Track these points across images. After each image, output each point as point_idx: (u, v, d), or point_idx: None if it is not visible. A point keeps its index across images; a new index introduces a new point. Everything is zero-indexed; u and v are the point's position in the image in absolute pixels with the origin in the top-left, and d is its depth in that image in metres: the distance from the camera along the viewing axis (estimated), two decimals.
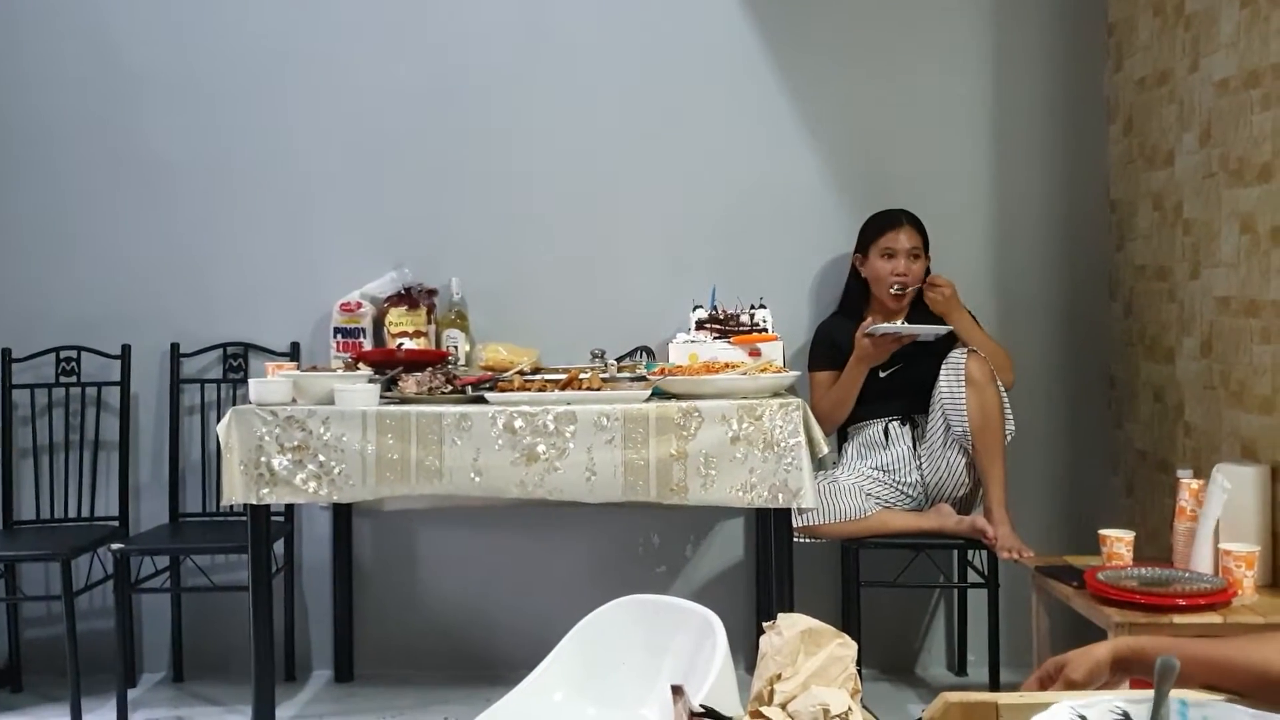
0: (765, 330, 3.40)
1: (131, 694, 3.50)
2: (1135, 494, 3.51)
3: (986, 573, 3.29)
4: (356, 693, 3.57)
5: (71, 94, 3.72)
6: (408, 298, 3.56)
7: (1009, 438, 3.27)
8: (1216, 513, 2.66)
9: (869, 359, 3.26)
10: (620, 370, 3.27)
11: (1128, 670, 1.37)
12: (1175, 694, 1.17)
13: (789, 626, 1.94)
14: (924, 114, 3.70)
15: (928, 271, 3.47)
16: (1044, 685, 1.42)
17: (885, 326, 3.23)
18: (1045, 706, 1.35)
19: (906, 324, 3.31)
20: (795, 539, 3.07)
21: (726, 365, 3.13)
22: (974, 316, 3.42)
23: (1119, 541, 2.82)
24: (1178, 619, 2.44)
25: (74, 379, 3.65)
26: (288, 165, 3.74)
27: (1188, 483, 2.79)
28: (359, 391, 2.90)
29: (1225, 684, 1.27)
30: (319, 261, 3.73)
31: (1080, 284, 3.71)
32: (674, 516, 3.66)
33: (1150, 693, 1.14)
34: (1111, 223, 3.67)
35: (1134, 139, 3.50)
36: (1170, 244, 3.26)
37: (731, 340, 3.35)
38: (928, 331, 3.23)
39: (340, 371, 3.19)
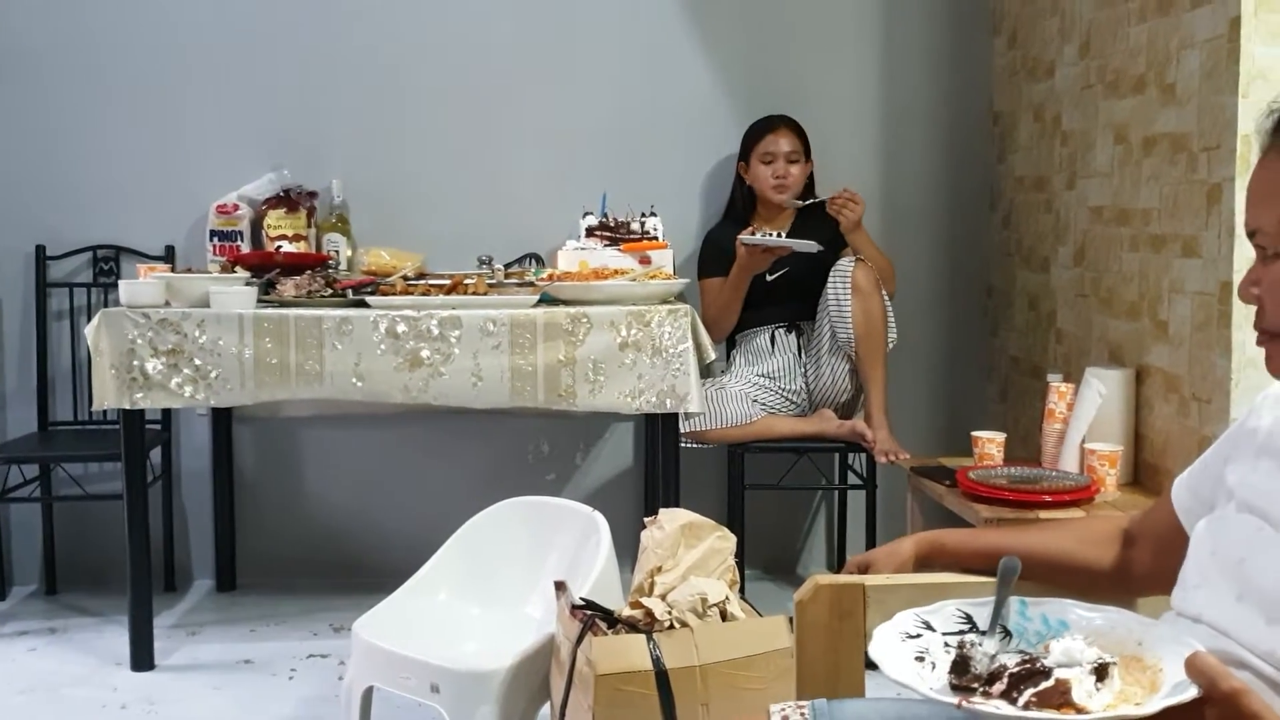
0: (656, 238, 3.40)
1: (1, 606, 3.41)
2: (1009, 399, 3.63)
3: (865, 475, 3.38)
4: (239, 601, 3.54)
5: None
6: (287, 200, 3.46)
7: (891, 345, 3.34)
8: (1089, 415, 2.76)
9: (748, 267, 3.28)
10: (508, 276, 3.24)
11: (929, 565, 1.44)
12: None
13: (670, 521, 1.98)
14: (812, 22, 3.69)
15: (812, 177, 3.50)
16: None
17: (754, 239, 3.23)
18: (910, 586, 1.40)
19: (780, 235, 3.33)
20: (682, 444, 3.11)
21: (616, 272, 3.13)
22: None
23: (990, 443, 2.92)
24: (1044, 514, 2.54)
25: None
26: (161, 58, 3.57)
27: (1057, 386, 2.89)
28: (235, 294, 2.82)
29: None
30: (194, 162, 3.59)
31: (962, 195, 3.78)
32: (564, 423, 3.68)
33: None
34: (994, 134, 3.73)
35: (1017, 51, 3.55)
36: (1049, 155, 3.33)
37: (622, 247, 3.34)
38: (800, 245, 3.24)
39: (216, 274, 3.09)
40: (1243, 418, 1.23)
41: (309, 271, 3.03)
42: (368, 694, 2.25)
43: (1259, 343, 1.12)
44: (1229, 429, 1.26)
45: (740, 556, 3.24)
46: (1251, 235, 1.09)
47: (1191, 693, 0.91)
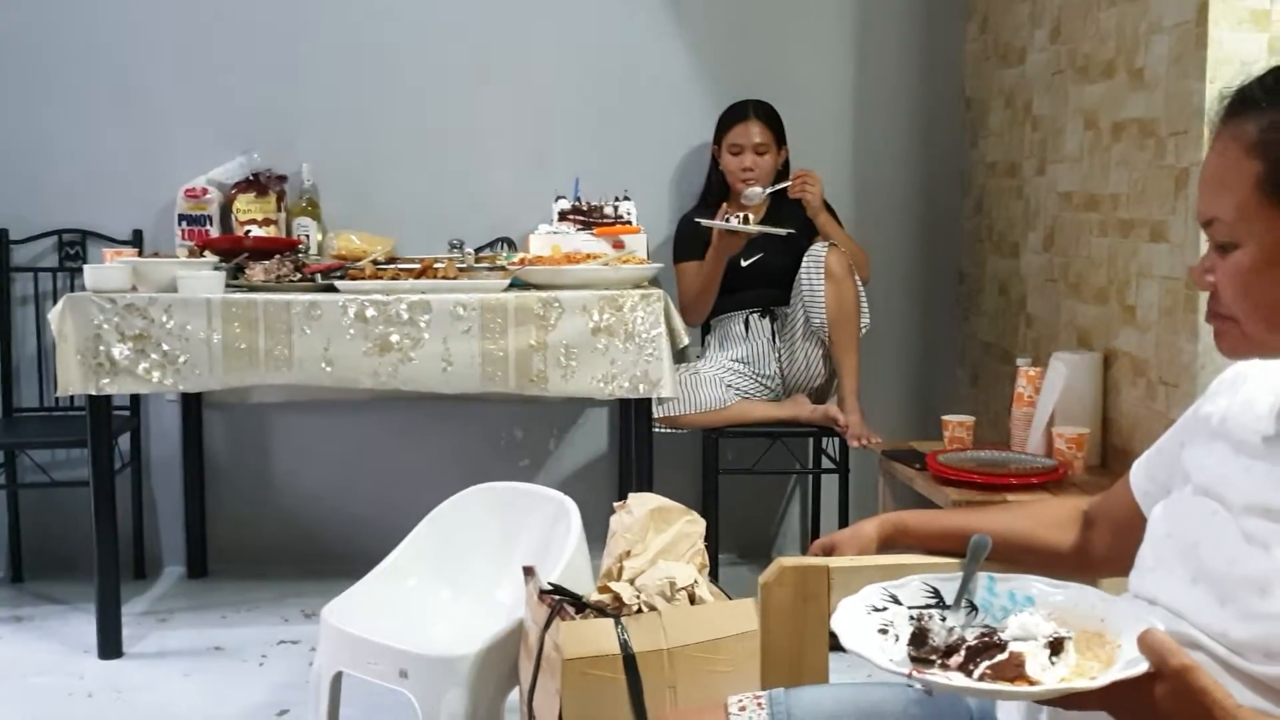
0: (629, 222, 3.39)
1: None
2: (979, 383, 3.64)
3: (838, 459, 3.39)
4: (210, 588, 3.52)
5: None
6: (256, 184, 3.43)
7: (864, 331, 3.35)
8: (1056, 399, 2.77)
9: (722, 250, 3.27)
10: (479, 261, 3.23)
11: (892, 546, 1.45)
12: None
13: (639, 505, 1.98)
14: (786, 7, 3.69)
15: (786, 164, 3.49)
16: None
17: (719, 223, 3.22)
18: (874, 568, 1.41)
19: (750, 218, 3.32)
20: (656, 429, 3.11)
21: (589, 256, 3.12)
22: (834, 212, 3.45)
23: (960, 426, 2.93)
24: (1011, 497, 2.55)
25: None
26: (130, 41, 3.54)
27: (1026, 370, 2.90)
28: (203, 278, 2.80)
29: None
30: (163, 146, 3.56)
31: (934, 181, 3.79)
32: (537, 408, 3.67)
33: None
34: (965, 120, 3.74)
35: (989, 36, 3.56)
36: (1020, 141, 3.34)
37: (595, 232, 3.33)
38: (769, 232, 3.24)
39: (184, 259, 3.07)
40: (1198, 403, 1.24)
41: (278, 256, 3.01)
42: (337, 680, 2.25)
43: (1208, 319, 1.12)
44: (1185, 414, 1.27)
45: (714, 541, 3.27)
46: (1206, 224, 1.10)
47: (1142, 668, 0.91)
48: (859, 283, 3.30)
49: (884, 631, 1.05)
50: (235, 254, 3.03)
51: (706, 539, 2.01)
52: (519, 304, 2.81)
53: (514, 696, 2.09)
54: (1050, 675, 0.95)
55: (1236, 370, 1.20)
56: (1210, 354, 2.38)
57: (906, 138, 3.77)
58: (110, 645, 2.95)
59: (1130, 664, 0.93)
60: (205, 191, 3.42)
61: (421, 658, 2.07)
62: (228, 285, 2.86)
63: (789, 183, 3.38)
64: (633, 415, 2.99)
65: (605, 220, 3.39)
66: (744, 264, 3.39)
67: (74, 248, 3.53)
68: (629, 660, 1.76)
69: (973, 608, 1.11)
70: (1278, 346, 1.08)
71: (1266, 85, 1.05)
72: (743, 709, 1.24)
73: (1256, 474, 1.08)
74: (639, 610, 1.83)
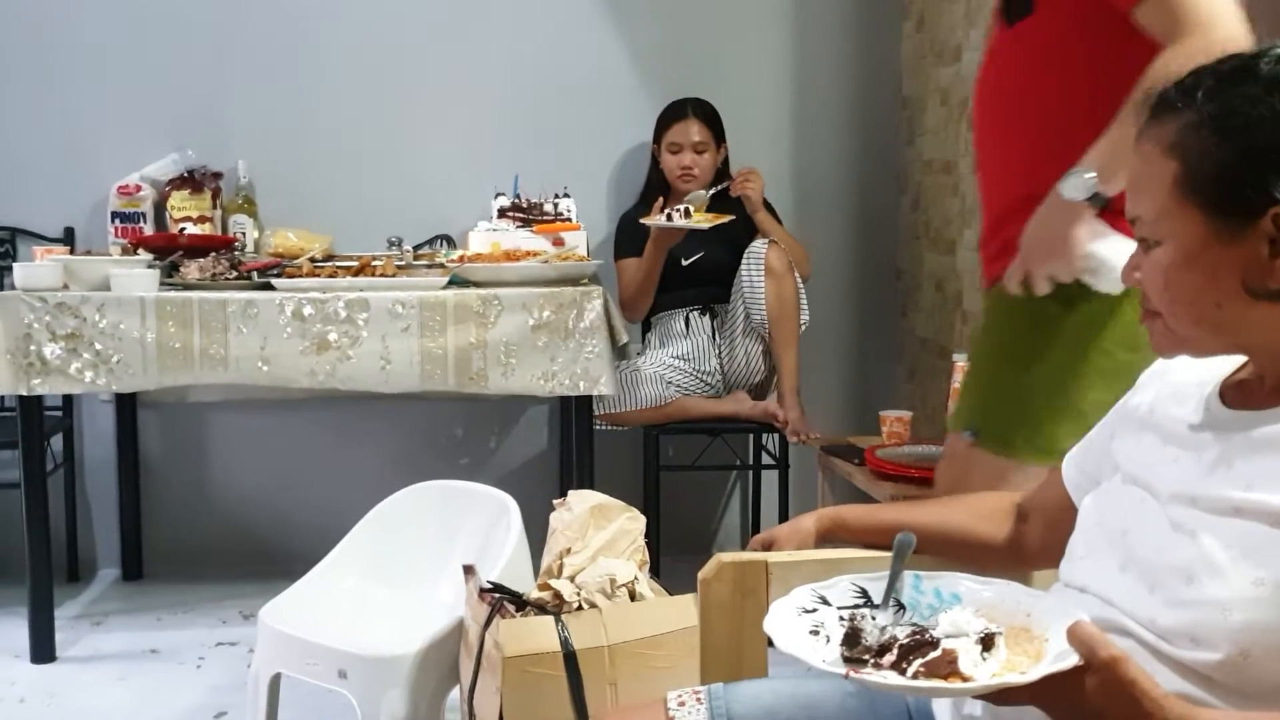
0: (569, 219, 3.39)
1: None
2: (917, 379, 3.69)
3: (778, 455, 3.42)
4: (145, 590, 3.47)
5: None
6: (191, 181, 3.38)
7: (803, 327, 3.38)
8: None
9: (661, 243, 3.29)
10: (418, 258, 3.21)
11: (831, 540, 1.47)
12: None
13: (579, 502, 1.98)
14: (725, 4, 3.70)
15: (726, 162, 3.51)
16: None
17: (664, 223, 3.23)
18: (813, 562, 1.42)
19: (689, 216, 3.34)
20: (597, 426, 3.11)
21: (528, 253, 3.11)
22: (773, 211, 3.48)
23: (897, 421, 2.97)
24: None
25: None
26: (60, 34, 3.47)
27: (961, 365, 2.94)
28: (137, 277, 2.76)
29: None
30: (94, 142, 3.50)
31: (872, 178, 3.82)
32: (478, 406, 3.65)
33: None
34: (902, 118, 3.78)
35: (925, 35, 3.60)
36: (955, 138, 3.39)
37: (534, 229, 3.32)
38: (714, 223, 3.26)
39: (117, 256, 3.02)
40: (1127, 395, 1.27)
41: (214, 254, 2.98)
42: (275, 681, 2.22)
43: (1142, 320, 1.15)
44: (1115, 406, 1.30)
45: (655, 537, 3.28)
46: (1132, 222, 1.13)
47: (1072, 660, 0.93)
48: (799, 279, 3.33)
49: (815, 633, 1.06)
50: (170, 252, 2.98)
51: (647, 535, 2.02)
52: (458, 302, 2.80)
53: (454, 695, 2.09)
54: (983, 671, 0.96)
55: (1164, 362, 1.23)
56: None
57: (844, 136, 3.81)
58: (43, 650, 2.90)
59: (1059, 657, 0.95)
60: (139, 188, 3.36)
61: (360, 658, 2.05)
62: (162, 284, 2.82)
63: (729, 182, 3.40)
64: (573, 413, 2.99)
65: (545, 217, 3.39)
66: (684, 262, 3.41)
67: (3, 246, 3.46)
68: (569, 657, 1.76)
69: (900, 606, 1.13)
70: (1204, 343, 1.11)
71: (1183, 88, 1.08)
72: (682, 704, 1.25)
73: (1183, 463, 1.11)
74: (579, 607, 1.84)
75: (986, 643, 0.98)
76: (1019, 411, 1.83)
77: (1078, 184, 1.68)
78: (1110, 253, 1.70)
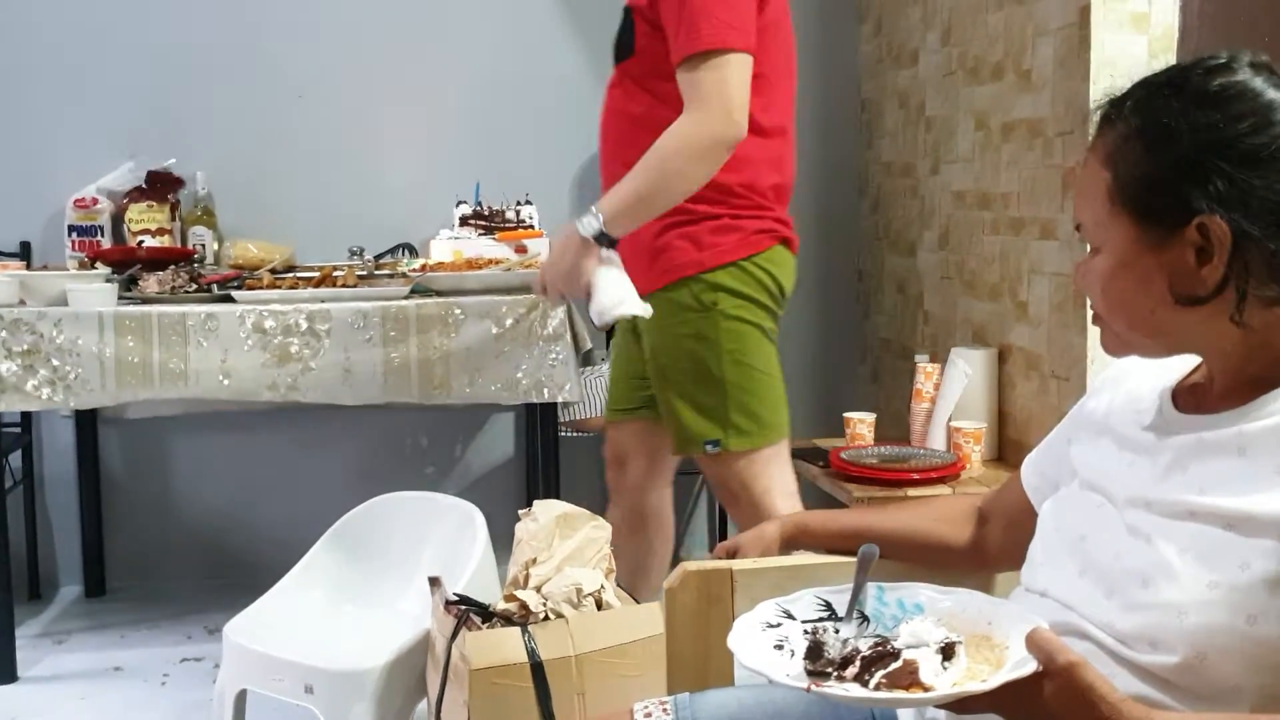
0: (531, 226, 3.38)
1: None
2: (880, 380, 3.71)
3: None
4: (108, 607, 3.43)
5: None
6: (149, 193, 3.35)
7: None
8: (955, 394, 2.84)
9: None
10: (379, 268, 3.19)
11: (795, 546, 1.48)
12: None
13: (544, 512, 1.98)
14: None
15: None
16: None
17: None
18: (778, 569, 1.43)
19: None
20: (563, 433, 3.11)
21: (491, 261, 3.10)
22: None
23: (861, 423, 2.98)
24: (912, 492, 2.60)
25: None
26: (10, 45, 3.43)
27: (924, 366, 2.97)
28: (94, 291, 2.73)
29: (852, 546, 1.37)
30: (49, 154, 3.46)
31: (832, 181, 3.84)
32: (442, 415, 3.64)
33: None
34: (861, 121, 3.80)
35: (883, 39, 3.62)
36: (913, 141, 3.41)
37: (497, 236, 3.32)
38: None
39: (74, 271, 2.99)
40: (1083, 400, 1.28)
41: (173, 266, 2.95)
42: (241, 697, 2.21)
43: (1094, 322, 1.16)
44: (1071, 410, 1.31)
45: None
46: (1077, 229, 1.15)
47: (1031, 667, 0.94)
48: None
49: (779, 647, 1.07)
50: (128, 265, 2.95)
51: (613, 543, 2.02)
52: (421, 311, 2.78)
53: (422, 708, 2.08)
54: (943, 680, 0.97)
55: (1120, 367, 1.24)
56: (1100, 347, 2.46)
57: (804, 139, 3.78)
58: (4, 670, 2.86)
59: (1019, 664, 0.96)
60: (96, 201, 3.33)
61: (326, 672, 2.04)
62: (120, 297, 2.79)
63: None
64: (538, 420, 2.99)
65: (507, 225, 3.38)
66: None
67: None
68: (537, 668, 1.76)
69: (864, 618, 1.14)
70: (1146, 346, 1.12)
71: (1124, 100, 1.10)
72: (648, 715, 1.25)
73: (1139, 468, 1.12)
74: (546, 618, 1.83)
75: (947, 652, 0.99)
76: (722, 407, 2.21)
77: (589, 223, 2.03)
78: (605, 284, 2.06)
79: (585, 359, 3.12)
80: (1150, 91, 1.08)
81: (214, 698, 2.27)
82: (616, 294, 2.06)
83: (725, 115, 1.99)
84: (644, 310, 2.06)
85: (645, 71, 2.17)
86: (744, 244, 2.24)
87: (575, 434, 3.34)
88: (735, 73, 2.01)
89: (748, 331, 2.24)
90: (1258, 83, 1.04)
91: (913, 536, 1.44)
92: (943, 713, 1.12)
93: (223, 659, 2.25)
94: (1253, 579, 0.97)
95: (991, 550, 1.42)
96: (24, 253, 3.45)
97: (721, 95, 1.99)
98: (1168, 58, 2.41)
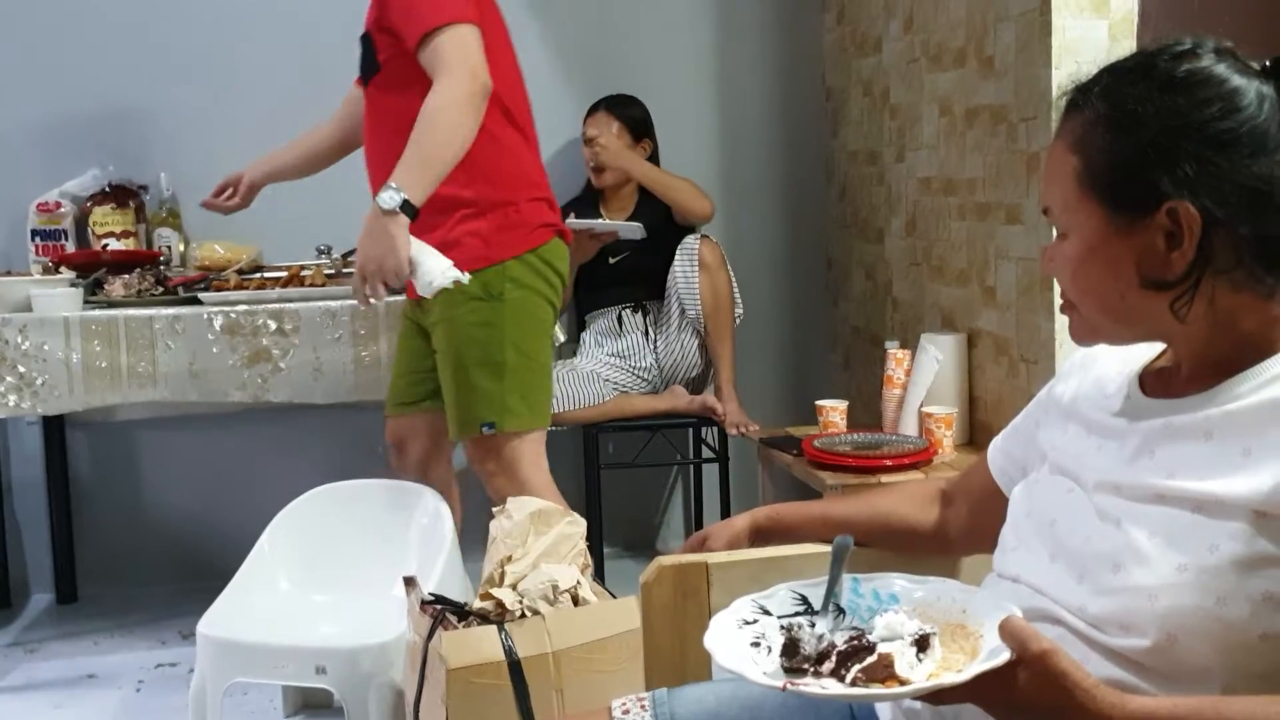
0: None
1: None
2: (851, 367, 3.72)
3: (718, 448, 3.44)
4: (81, 613, 3.40)
5: None
6: (113, 195, 3.31)
7: (738, 320, 3.40)
8: (926, 380, 2.85)
9: (575, 256, 3.27)
10: (347, 266, 3.17)
11: (766, 539, 1.48)
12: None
13: (518, 509, 1.98)
14: (647, 1, 3.70)
15: (654, 157, 3.51)
16: None
17: (580, 223, 3.24)
18: (754, 561, 1.43)
19: (603, 220, 3.36)
20: None
21: None
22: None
23: (834, 411, 3.00)
24: (885, 478, 2.61)
25: None
26: None
27: (894, 353, 2.98)
28: (59, 296, 2.71)
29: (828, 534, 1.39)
30: (10, 158, 3.41)
31: (799, 169, 3.85)
32: None
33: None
34: (827, 110, 3.81)
35: (846, 27, 3.63)
36: (879, 129, 3.42)
37: None
38: (624, 229, 3.28)
39: (38, 276, 2.96)
40: (1051, 384, 1.29)
41: (139, 269, 2.93)
42: (222, 693, 2.20)
43: (1062, 310, 1.17)
44: (1039, 395, 1.32)
45: (598, 536, 3.28)
46: (1045, 212, 1.15)
47: (1005, 656, 0.95)
48: (731, 272, 3.36)
49: (756, 644, 1.07)
50: (93, 269, 2.93)
51: (589, 536, 2.02)
52: (392, 309, 2.77)
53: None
54: (919, 672, 0.97)
55: (1088, 352, 1.25)
56: (1067, 331, 2.47)
57: (770, 128, 3.83)
58: None
59: (993, 653, 0.96)
60: (59, 205, 3.29)
61: (338, 651, 2.07)
62: (86, 302, 2.77)
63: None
64: None
65: None
66: (611, 260, 3.42)
67: None
68: (514, 666, 1.76)
69: (840, 611, 1.14)
70: (1116, 332, 1.13)
71: (1089, 85, 1.10)
72: (626, 712, 1.26)
73: (1107, 452, 1.13)
74: (522, 615, 1.83)
75: (922, 644, 0.99)
76: (500, 391, 2.40)
77: (389, 197, 2.13)
78: (424, 256, 2.15)
79: (556, 353, 3.11)
80: (1117, 77, 1.09)
81: (191, 698, 2.24)
82: (439, 261, 2.19)
83: (470, 72, 2.22)
84: (464, 277, 2.21)
85: (394, 81, 2.36)
86: (528, 238, 2.44)
87: (549, 428, 3.32)
88: (466, 37, 2.24)
89: (530, 321, 2.45)
90: (1222, 69, 1.05)
91: (878, 520, 1.45)
92: (921, 705, 1.12)
93: (199, 657, 2.23)
94: (1221, 561, 0.98)
95: (954, 533, 1.43)
96: None
97: (461, 56, 2.22)
98: (1128, 43, 2.43)
